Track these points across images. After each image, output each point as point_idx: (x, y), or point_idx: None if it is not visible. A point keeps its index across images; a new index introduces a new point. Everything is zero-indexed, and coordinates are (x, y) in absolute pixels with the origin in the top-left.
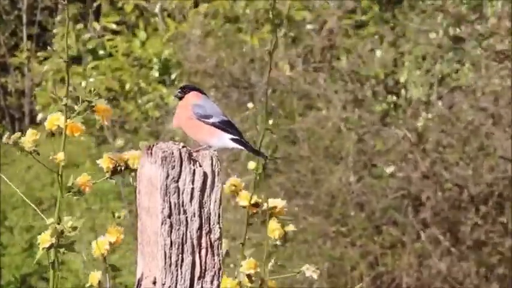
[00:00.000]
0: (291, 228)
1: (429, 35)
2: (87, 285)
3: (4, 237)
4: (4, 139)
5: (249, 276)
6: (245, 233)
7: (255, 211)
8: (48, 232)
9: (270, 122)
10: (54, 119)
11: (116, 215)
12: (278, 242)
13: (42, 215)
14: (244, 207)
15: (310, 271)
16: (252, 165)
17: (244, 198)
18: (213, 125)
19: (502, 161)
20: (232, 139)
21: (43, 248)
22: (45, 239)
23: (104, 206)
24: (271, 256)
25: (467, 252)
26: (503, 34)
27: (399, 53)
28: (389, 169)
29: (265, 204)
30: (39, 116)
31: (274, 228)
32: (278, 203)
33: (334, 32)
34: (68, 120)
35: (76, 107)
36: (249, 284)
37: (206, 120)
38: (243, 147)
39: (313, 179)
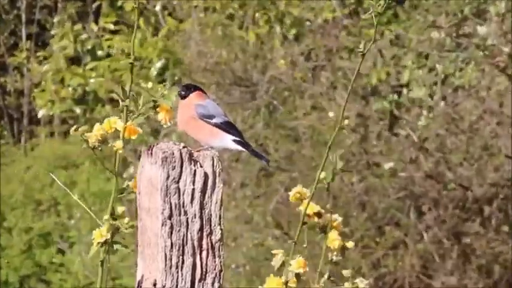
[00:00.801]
0: (351, 244)
1: (432, 35)
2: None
3: (3, 239)
4: (72, 131)
5: (297, 275)
6: (298, 234)
7: (316, 220)
8: (104, 228)
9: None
10: (112, 122)
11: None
12: (335, 256)
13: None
14: (308, 216)
15: (363, 284)
16: (322, 174)
17: (308, 208)
18: (216, 125)
19: (506, 161)
20: (234, 140)
21: (97, 243)
22: (99, 235)
23: (104, 207)
24: (326, 267)
25: (471, 254)
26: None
27: (402, 48)
28: (388, 165)
29: (327, 215)
30: (40, 113)
31: (334, 239)
32: (337, 217)
33: (336, 29)
34: (128, 122)
35: (137, 108)
36: (295, 284)
37: (209, 120)
38: (244, 149)
39: (315, 179)
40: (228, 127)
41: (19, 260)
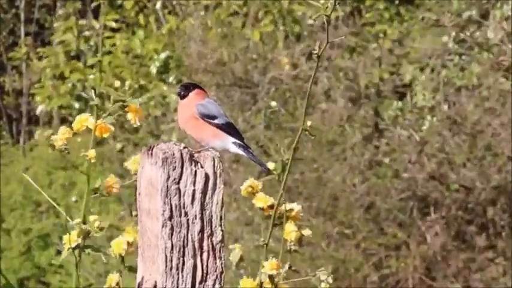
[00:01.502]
0: (307, 232)
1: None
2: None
3: (2, 240)
4: (36, 135)
5: (270, 276)
6: (269, 234)
7: (271, 213)
8: (75, 232)
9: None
10: (83, 120)
11: (134, 213)
12: (293, 246)
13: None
14: (261, 209)
15: (324, 276)
16: (271, 165)
17: (260, 200)
18: (217, 126)
19: (509, 162)
20: (235, 143)
21: (69, 248)
22: (71, 239)
23: (103, 209)
24: (285, 260)
25: (474, 255)
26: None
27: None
28: (387, 160)
29: (282, 206)
30: (39, 109)
31: (290, 231)
32: (294, 206)
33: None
34: (98, 120)
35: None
36: (270, 285)
37: (210, 121)
38: (245, 154)
39: (317, 180)
40: (229, 129)
41: (18, 262)
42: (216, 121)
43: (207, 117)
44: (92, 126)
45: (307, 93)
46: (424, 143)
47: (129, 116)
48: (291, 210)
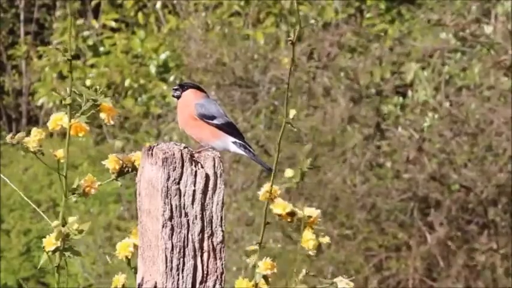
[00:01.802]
0: (326, 240)
1: (438, 35)
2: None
3: (1, 241)
4: (8, 138)
5: (265, 277)
6: (261, 235)
7: (290, 220)
8: (53, 235)
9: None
10: (58, 119)
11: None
12: (311, 253)
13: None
14: (279, 215)
15: (343, 283)
16: (289, 172)
17: (279, 206)
18: (217, 126)
19: (510, 161)
20: (235, 143)
21: (48, 252)
22: (49, 243)
23: (104, 209)
24: (301, 266)
25: (474, 255)
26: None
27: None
28: (388, 163)
29: (300, 213)
30: (40, 101)
31: (308, 239)
32: (313, 212)
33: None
34: (72, 120)
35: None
36: (265, 286)
37: (209, 121)
38: (246, 154)
39: (317, 180)
40: (229, 128)
41: (18, 263)
42: (215, 121)
43: (206, 118)
44: (67, 125)
45: (287, 86)
46: (424, 141)
47: (102, 115)
48: (309, 216)
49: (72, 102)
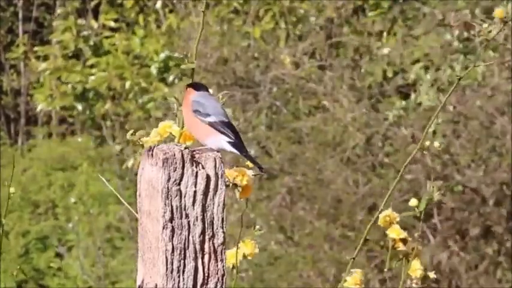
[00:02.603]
0: (432, 275)
1: (441, 35)
2: None
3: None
4: (128, 135)
5: None
6: (357, 250)
7: (401, 246)
8: None
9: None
10: (167, 126)
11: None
12: (415, 285)
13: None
14: (393, 240)
15: None
16: (413, 202)
17: (394, 232)
18: (210, 124)
19: None
20: (229, 142)
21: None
22: None
23: (103, 210)
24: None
25: (478, 257)
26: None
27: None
28: (389, 160)
29: (413, 243)
30: (39, 107)
31: (417, 268)
32: (418, 245)
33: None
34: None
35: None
36: None
37: (203, 118)
38: (237, 152)
39: (319, 181)
40: (222, 127)
41: (16, 264)
42: (208, 119)
43: (200, 115)
44: (177, 133)
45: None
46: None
47: None
48: (417, 248)
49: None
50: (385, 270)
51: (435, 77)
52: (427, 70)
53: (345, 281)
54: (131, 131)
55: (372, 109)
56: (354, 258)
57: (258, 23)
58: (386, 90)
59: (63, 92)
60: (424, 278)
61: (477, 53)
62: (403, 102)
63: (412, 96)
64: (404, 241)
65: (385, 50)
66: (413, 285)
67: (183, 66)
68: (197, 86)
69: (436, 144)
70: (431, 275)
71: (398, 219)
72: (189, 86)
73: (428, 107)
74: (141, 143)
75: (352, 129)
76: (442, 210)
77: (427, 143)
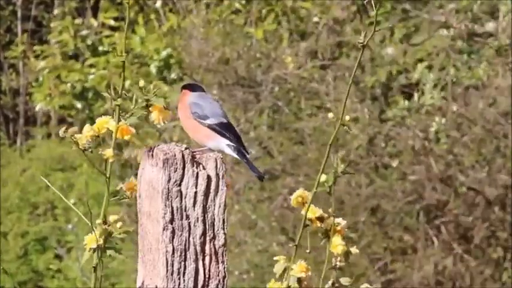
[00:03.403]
0: (354, 250)
1: (443, 31)
2: None
3: None
4: (60, 132)
5: (299, 280)
6: (299, 238)
7: (319, 225)
8: (97, 232)
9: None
10: (104, 122)
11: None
12: (339, 262)
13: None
14: (310, 220)
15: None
16: (322, 177)
17: (309, 211)
18: (209, 127)
19: None
20: (229, 145)
21: (89, 249)
22: (92, 240)
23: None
24: (331, 273)
25: (482, 260)
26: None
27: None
28: (395, 163)
29: (330, 219)
30: (38, 107)
31: (337, 244)
32: (340, 221)
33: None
34: (120, 122)
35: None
36: None
37: (202, 121)
38: (238, 157)
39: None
40: (223, 129)
41: (15, 266)
42: (207, 121)
43: (199, 118)
44: (113, 128)
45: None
46: (430, 142)
47: (153, 116)
48: (338, 223)
49: (119, 104)
50: (307, 251)
51: (439, 77)
52: (430, 69)
53: (292, 269)
54: (63, 128)
55: (374, 109)
56: (296, 245)
57: (260, 24)
58: (390, 90)
59: (62, 91)
60: (347, 254)
61: (481, 52)
62: (406, 103)
63: (416, 96)
64: (321, 219)
65: (389, 50)
66: (338, 263)
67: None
68: (193, 87)
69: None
70: (354, 250)
71: (310, 197)
72: (184, 87)
73: (431, 106)
74: (74, 139)
75: (355, 130)
76: (446, 213)
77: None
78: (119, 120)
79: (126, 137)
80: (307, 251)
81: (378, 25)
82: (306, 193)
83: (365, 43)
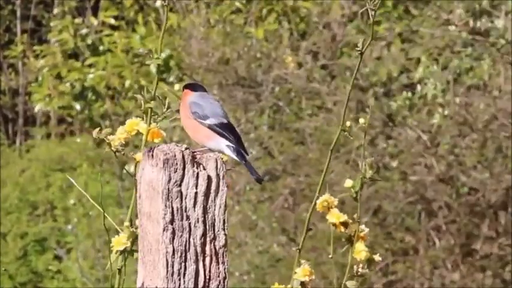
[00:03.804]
0: (377, 258)
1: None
2: None
3: None
4: (94, 133)
5: (303, 284)
6: (302, 240)
7: (343, 230)
8: (124, 235)
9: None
10: (134, 124)
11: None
12: (361, 269)
13: None
14: (333, 225)
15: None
16: (348, 183)
17: (334, 216)
18: (210, 127)
19: None
20: (229, 146)
21: (116, 252)
22: (119, 242)
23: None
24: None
25: (483, 262)
26: None
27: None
28: (395, 163)
29: (354, 225)
30: (37, 108)
31: (361, 250)
32: (363, 228)
33: (342, 27)
34: (152, 124)
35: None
36: None
37: (202, 121)
38: (237, 159)
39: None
40: (223, 130)
41: (14, 267)
42: (207, 121)
43: (199, 118)
44: (144, 130)
45: (349, 88)
46: (436, 142)
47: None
48: (362, 230)
49: (150, 107)
50: (330, 256)
51: (443, 67)
52: (435, 61)
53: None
54: (97, 129)
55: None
56: (299, 249)
57: (261, 24)
58: (390, 89)
59: (61, 92)
60: (370, 261)
61: (484, 47)
62: (409, 94)
63: (418, 88)
64: (345, 224)
65: (392, 49)
66: (360, 269)
67: (148, 62)
68: (194, 87)
69: (361, 120)
70: (377, 257)
71: (336, 203)
72: (185, 86)
73: (433, 97)
74: (107, 141)
75: (356, 130)
76: (448, 214)
77: None
78: (150, 123)
79: (156, 140)
80: (330, 256)
81: (378, 25)
82: (332, 198)
83: (363, 51)
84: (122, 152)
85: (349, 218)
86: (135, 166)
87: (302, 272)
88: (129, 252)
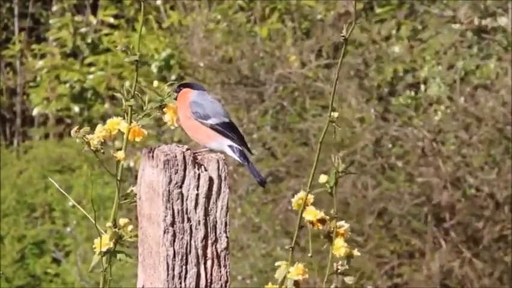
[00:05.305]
0: (356, 253)
1: (452, 26)
2: None
3: None
4: (72, 133)
5: (296, 282)
6: (294, 239)
7: (320, 227)
8: (107, 235)
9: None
10: (115, 123)
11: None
12: (340, 266)
13: None
14: (310, 222)
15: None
16: (323, 178)
17: (310, 213)
18: (212, 127)
19: None
20: (231, 147)
21: (99, 253)
22: (102, 243)
23: (102, 214)
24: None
25: (490, 264)
26: None
27: (420, 43)
28: (400, 163)
29: (332, 222)
30: (35, 111)
31: (340, 246)
32: (343, 224)
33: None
34: (133, 123)
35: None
36: None
37: (204, 121)
38: (240, 161)
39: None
40: (225, 129)
41: (12, 270)
42: (209, 121)
43: (200, 117)
44: (125, 129)
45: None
46: (437, 142)
47: (167, 117)
48: (341, 226)
49: (130, 105)
50: (309, 255)
51: (447, 74)
52: (439, 63)
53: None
54: (75, 128)
55: (381, 110)
56: (292, 247)
57: (264, 22)
58: (396, 89)
59: (60, 95)
60: (349, 257)
61: (491, 46)
62: (412, 92)
63: (422, 87)
64: (322, 221)
65: (396, 49)
66: (339, 267)
67: (127, 59)
68: (193, 85)
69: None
70: (356, 252)
71: (312, 200)
72: (184, 85)
73: (437, 97)
74: (86, 140)
75: (361, 130)
76: (454, 215)
77: None
78: (131, 122)
79: (138, 139)
80: (309, 254)
81: (382, 23)
82: (309, 196)
83: (347, 37)
84: (102, 151)
85: (350, 217)
86: (117, 165)
87: (295, 271)
88: (112, 254)
